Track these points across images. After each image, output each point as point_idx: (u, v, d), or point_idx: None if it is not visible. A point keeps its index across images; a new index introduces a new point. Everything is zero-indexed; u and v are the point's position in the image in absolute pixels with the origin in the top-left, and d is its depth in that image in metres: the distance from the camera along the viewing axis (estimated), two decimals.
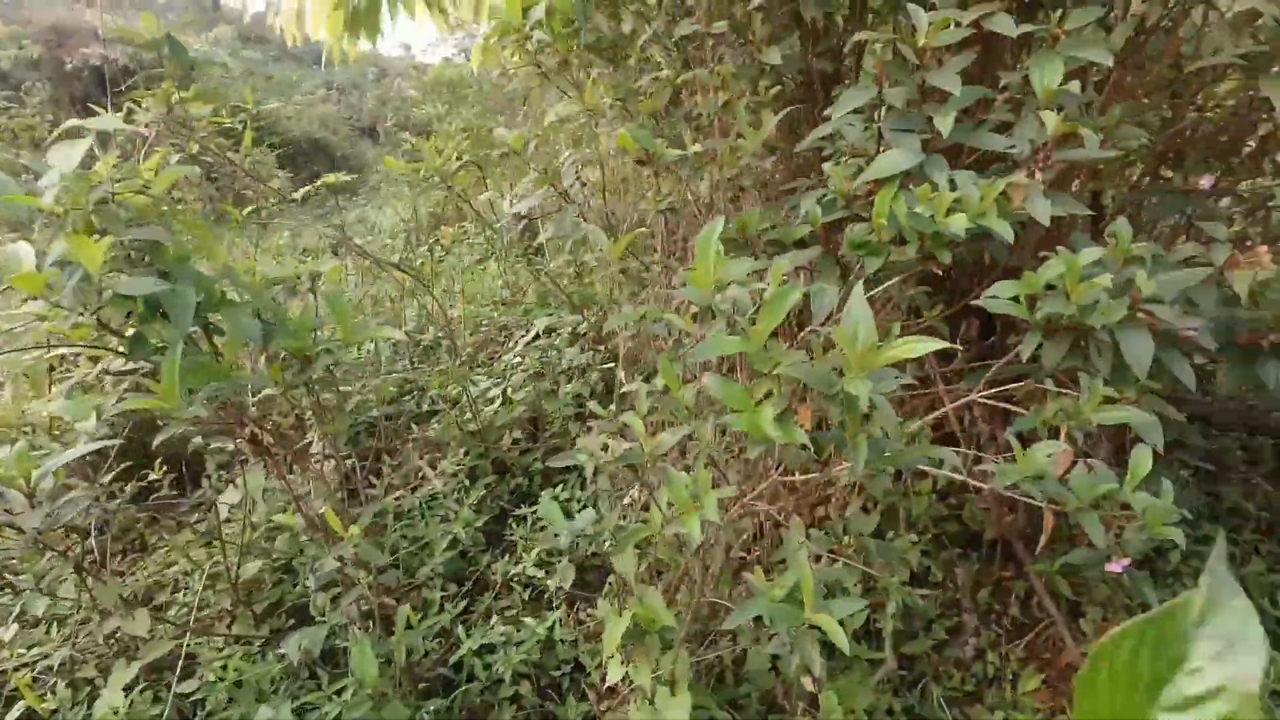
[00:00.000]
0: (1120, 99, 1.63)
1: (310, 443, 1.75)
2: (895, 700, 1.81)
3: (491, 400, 3.07)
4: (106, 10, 9.67)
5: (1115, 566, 1.08)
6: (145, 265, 1.06)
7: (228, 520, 2.18)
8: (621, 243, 1.12)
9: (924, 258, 1.11)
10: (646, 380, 1.22)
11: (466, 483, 2.78)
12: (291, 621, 2.18)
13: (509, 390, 3.03)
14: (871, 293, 1.21)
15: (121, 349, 1.07)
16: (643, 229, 1.41)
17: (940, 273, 1.12)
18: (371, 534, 2.43)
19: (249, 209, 2.68)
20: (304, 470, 1.51)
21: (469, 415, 2.95)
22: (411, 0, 3.23)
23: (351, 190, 9.65)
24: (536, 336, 3.15)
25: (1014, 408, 1.21)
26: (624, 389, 1.21)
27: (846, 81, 1.87)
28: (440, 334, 3.50)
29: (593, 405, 1.36)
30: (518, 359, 3.15)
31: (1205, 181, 1.65)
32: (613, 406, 1.32)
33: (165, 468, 2.28)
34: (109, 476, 1.71)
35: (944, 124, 1.10)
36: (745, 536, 1.45)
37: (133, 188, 1.03)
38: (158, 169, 1.08)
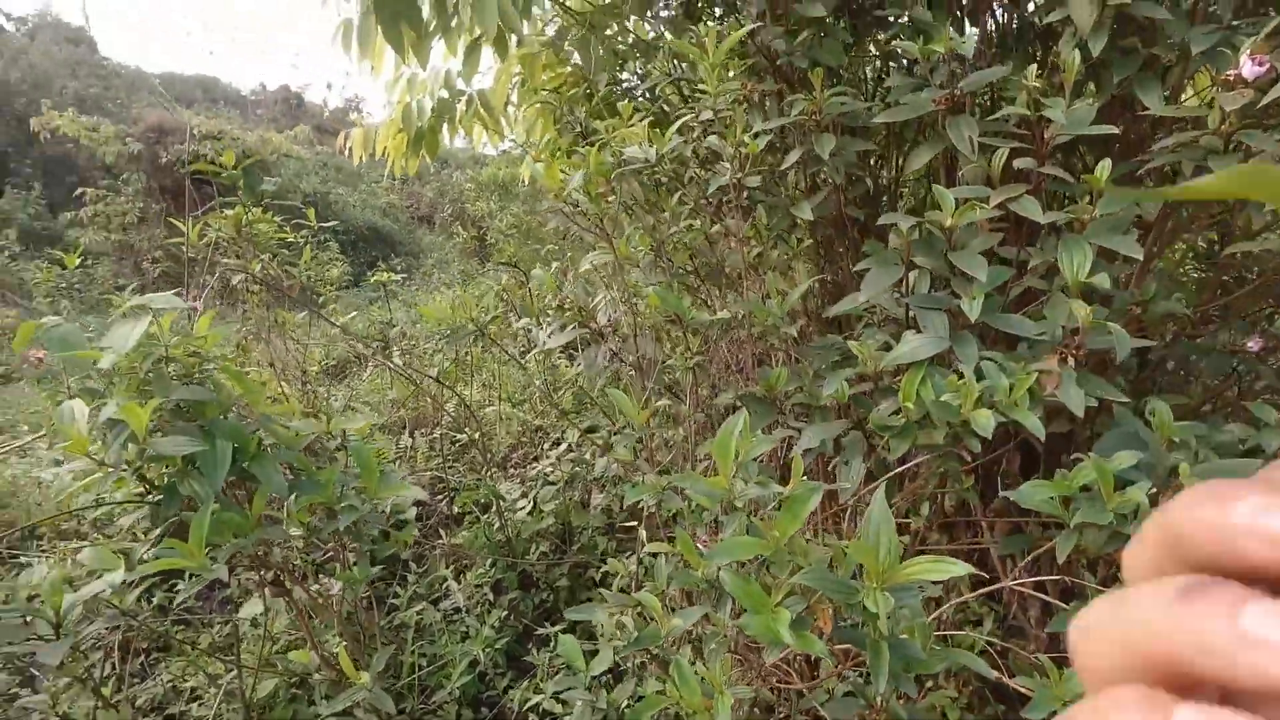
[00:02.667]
0: (1157, 257, 1.62)
1: (327, 583, 1.75)
2: None
3: (520, 509, 3.05)
4: (201, 112, 10.60)
5: None
6: (188, 418, 1.11)
7: (238, 640, 2.17)
8: (646, 412, 1.13)
9: (953, 440, 1.09)
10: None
11: (490, 596, 2.74)
12: None
13: (538, 499, 3.02)
14: (900, 469, 1.18)
15: (155, 501, 1.11)
16: (671, 383, 1.42)
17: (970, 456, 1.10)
18: (387, 654, 2.39)
19: (301, 314, 2.82)
20: (324, 609, 1.51)
21: (497, 524, 2.94)
22: (470, 123, 3.45)
23: (406, 271, 10.11)
24: (570, 448, 3.16)
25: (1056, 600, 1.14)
26: (645, 550, 1.19)
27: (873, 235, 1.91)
28: (476, 434, 3.54)
29: (612, 563, 1.34)
30: (550, 467, 3.16)
31: (1253, 344, 1.60)
32: (631, 559, 1.30)
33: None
34: (138, 591, 1.74)
35: (971, 308, 1.10)
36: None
37: (189, 346, 1.10)
38: (209, 327, 1.16)
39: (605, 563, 2.91)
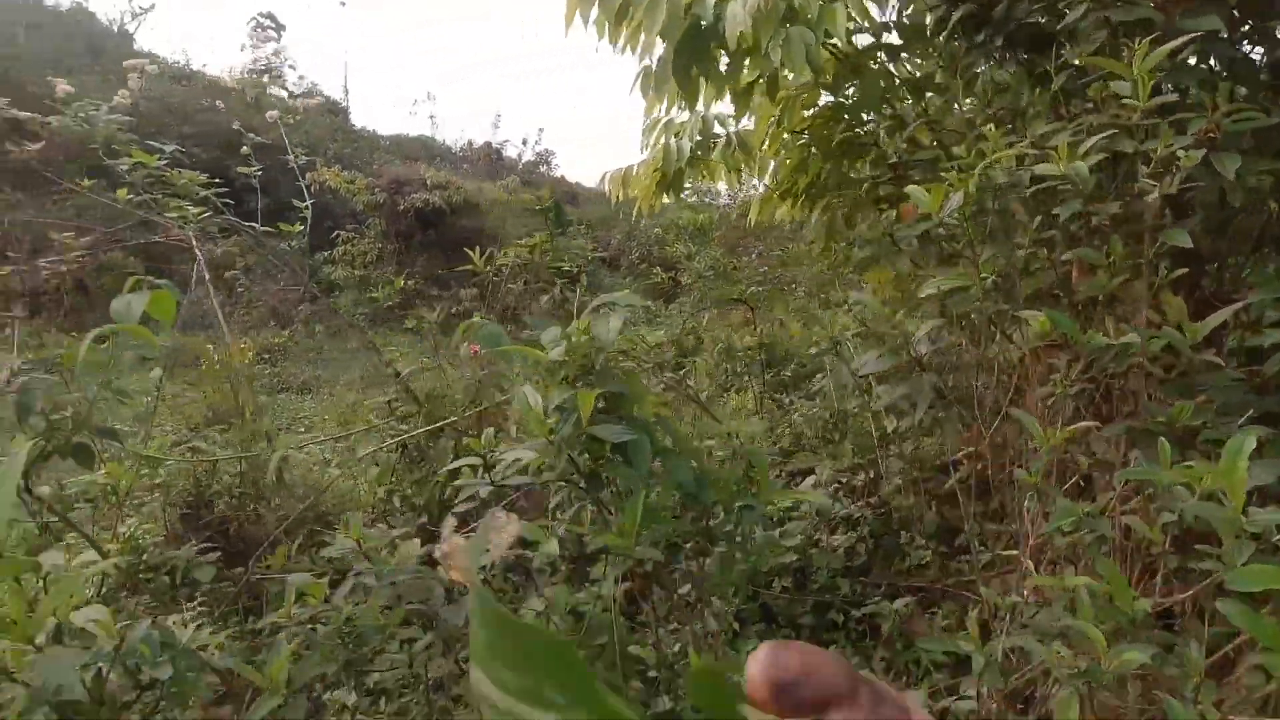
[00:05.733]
0: None
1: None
2: None
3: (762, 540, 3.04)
4: (430, 166, 12.07)
5: None
6: (606, 413, 1.24)
7: None
8: (1066, 431, 1.09)
9: None
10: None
11: (736, 626, 2.73)
12: None
13: (780, 534, 3.00)
14: None
15: (581, 484, 1.25)
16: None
17: None
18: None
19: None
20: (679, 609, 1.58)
21: (740, 554, 2.95)
22: (716, 167, 3.61)
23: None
24: (818, 484, 3.12)
25: None
26: (1030, 583, 1.13)
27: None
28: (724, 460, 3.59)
29: (986, 592, 1.28)
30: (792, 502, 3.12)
31: None
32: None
33: None
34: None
35: None
36: None
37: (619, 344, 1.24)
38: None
39: (850, 609, 2.80)
